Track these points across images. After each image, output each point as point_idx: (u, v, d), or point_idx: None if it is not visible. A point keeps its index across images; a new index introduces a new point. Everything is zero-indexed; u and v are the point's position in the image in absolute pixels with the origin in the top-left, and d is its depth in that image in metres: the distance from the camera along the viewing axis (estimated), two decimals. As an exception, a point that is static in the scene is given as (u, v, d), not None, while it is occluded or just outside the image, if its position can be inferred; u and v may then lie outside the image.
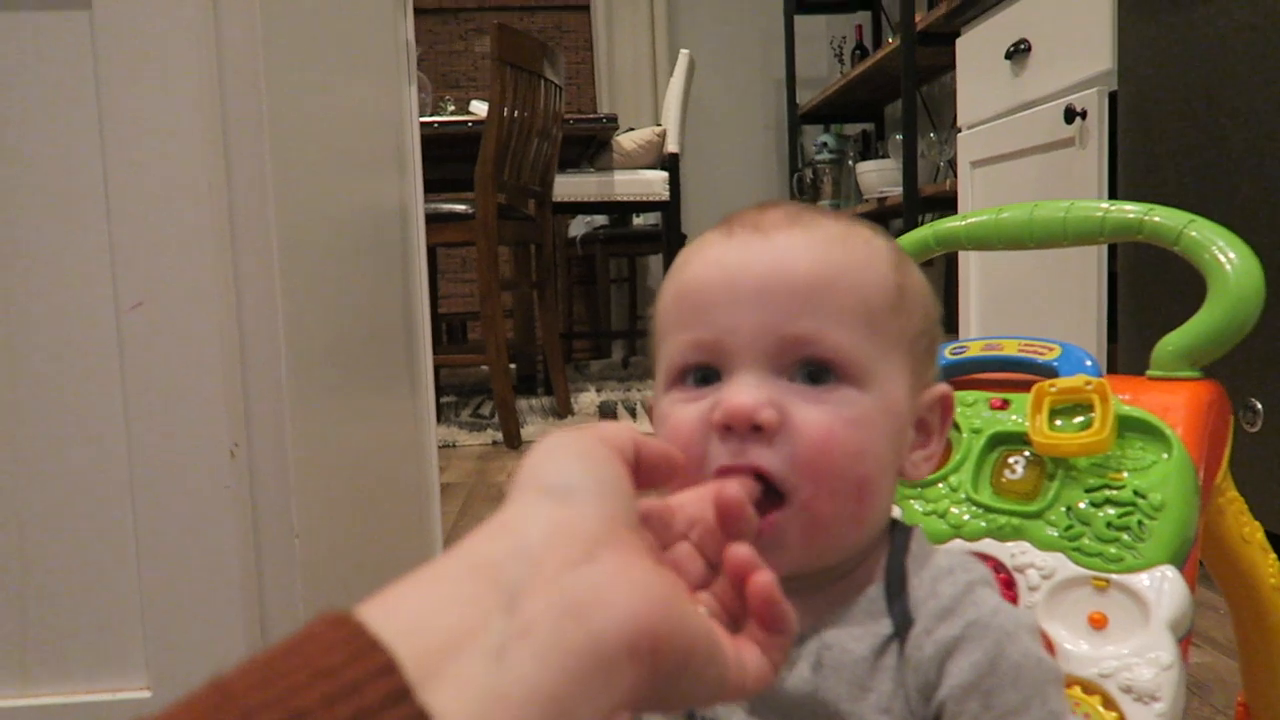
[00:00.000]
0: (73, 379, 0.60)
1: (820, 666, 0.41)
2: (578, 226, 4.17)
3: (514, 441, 2.59)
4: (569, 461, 0.30)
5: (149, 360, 0.58)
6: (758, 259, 0.41)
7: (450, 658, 0.24)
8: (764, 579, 0.32)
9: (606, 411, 2.94)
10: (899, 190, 2.91)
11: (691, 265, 0.43)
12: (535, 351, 3.31)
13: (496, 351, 2.53)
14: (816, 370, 0.40)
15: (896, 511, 0.58)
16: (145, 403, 0.59)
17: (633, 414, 2.92)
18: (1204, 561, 0.65)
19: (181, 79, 0.57)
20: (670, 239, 3.41)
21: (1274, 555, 0.72)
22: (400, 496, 1.04)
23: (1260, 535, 0.72)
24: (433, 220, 2.45)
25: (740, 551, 0.33)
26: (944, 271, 2.90)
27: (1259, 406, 1.15)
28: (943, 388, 0.45)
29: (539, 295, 3.00)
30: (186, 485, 0.60)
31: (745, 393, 0.39)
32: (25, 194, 0.60)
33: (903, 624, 0.41)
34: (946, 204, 2.73)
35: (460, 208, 2.62)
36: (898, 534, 0.45)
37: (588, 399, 3.13)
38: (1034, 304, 1.74)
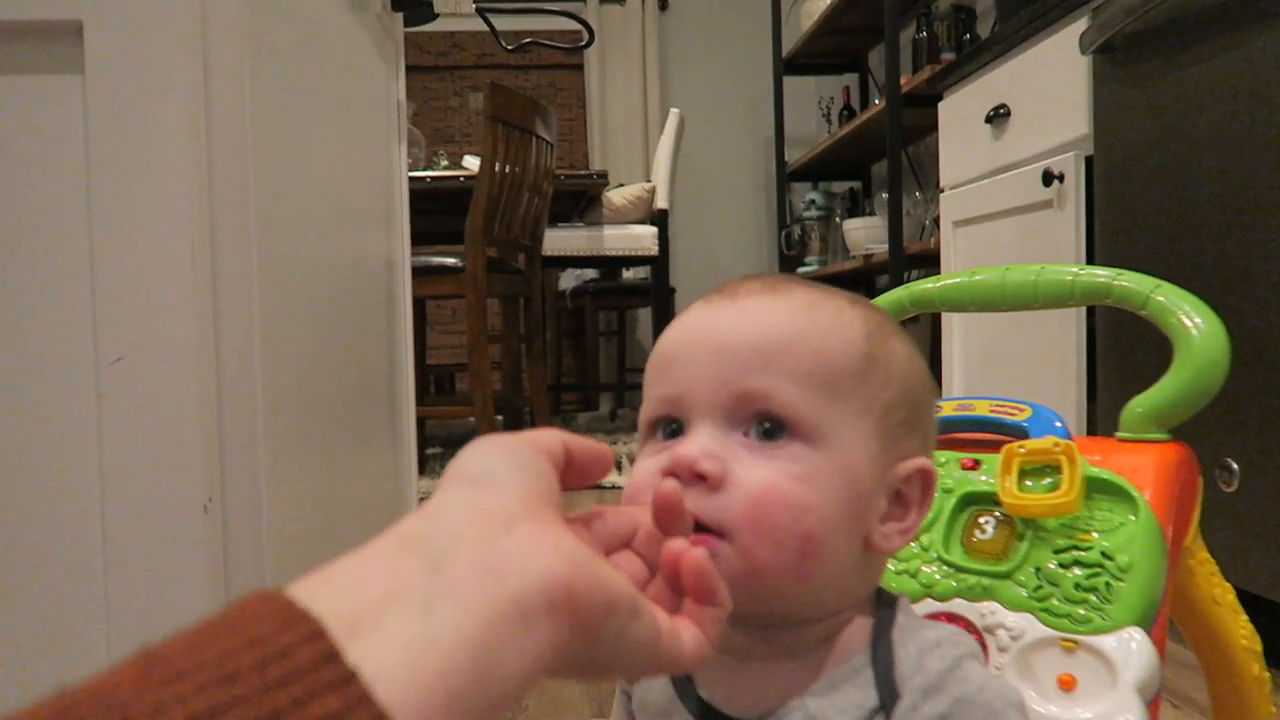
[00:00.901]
0: (49, 431, 0.61)
1: None
2: (568, 279, 4.21)
3: (499, 494, 2.57)
4: (489, 453, 0.33)
5: (126, 414, 0.59)
6: (723, 321, 0.43)
7: (380, 614, 0.25)
8: (696, 555, 0.34)
9: (593, 465, 2.93)
10: (885, 247, 2.95)
11: (670, 330, 0.45)
12: (523, 404, 3.31)
13: (483, 404, 2.53)
14: (769, 427, 0.41)
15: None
16: (121, 456, 0.59)
17: (618, 467, 2.92)
18: (1176, 622, 0.66)
19: (169, 138, 0.58)
20: (659, 292, 3.43)
21: (1244, 616, 0.72)
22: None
23: (1231, 597, 0.73)
24: (422, 273, 2.47)
25: (675, 541, 0.35)
26: (929, 329, 2.93)
27: (1235, 466, 1.16)
28: (921, 460, 0.45)
29: (527, 348, 3.01)
30: (159, 537, 0.60)
31: (693, 444, 0.40)
32: (10, 248, 0.61)
33: (888, 697, 0.41)
34: (931, 261, 2.76)
35: (450, 260, 2.64)
36: (883, 605, 0.45)
37: (575, 452, 3.12)
38: (1015, 363, 1.76)
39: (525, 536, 0.29)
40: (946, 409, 0.72)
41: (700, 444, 0.40)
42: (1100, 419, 1.43)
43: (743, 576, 0.40)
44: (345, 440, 0.87)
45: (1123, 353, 1.37)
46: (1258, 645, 0.73)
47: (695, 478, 0.40)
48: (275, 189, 0.66)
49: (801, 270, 3.97)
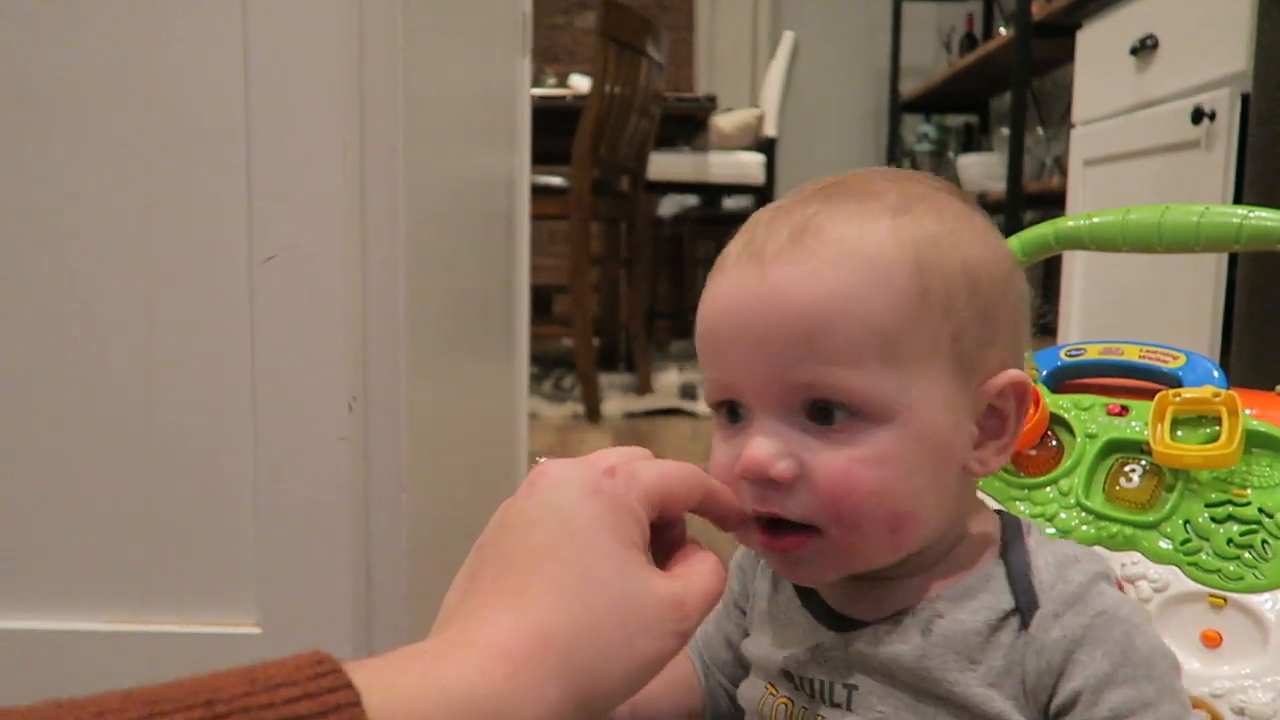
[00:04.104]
0: (204, 326, 0.63)
1: (929, 633, 0.41)
2: (668, 205, 4.17)
3: (595, 415, 2.61)
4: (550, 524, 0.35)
5: (278, 312, 0.61)
6: (755, 299, 0.39)
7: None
8: None
9: (687, 393, 2.94)
10: (1002, 185, 2.83)
11: (705, 306, 0.42)
12: (618, 328, 3.32)
13: (583, 326, 2.55)
14: (829, 411, 0.39)
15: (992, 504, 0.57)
16: (271, 352, 0.61)
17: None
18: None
19: (325, 43, 0.59)
20: (762, 222, 3.38)
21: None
22: (493, 462, 1.06)
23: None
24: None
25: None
26: (1043, 271, 2.82)
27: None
28: (1012, 374, 0.42)
29: (627, 272, 3.02)
30: (305, 434, 0.62)
31: (760, 446, 0.39)
32: (170, 145, 0.62)
33: (1027, 603, 0.40)
34: (1051, 202, 2.65)
35: (555, 180, 2.64)
36: (1008, 519, 0.45)
37: (668, 379, 3.13)
38: (1142, 310, 1.69)
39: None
40: (1092, 352, 0.69)
41: (766, 445, 0.39)
42: (1234, 373, 1.36)
43: (839, 559, 0.40)
44: (470, 351, 0.89)
45: (1268, 305, 1.30)
46: None
47: (769, 480, 0.39)
48: (420, 97, 0.67)
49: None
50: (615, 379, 3.12)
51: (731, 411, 0.41)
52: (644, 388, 2.95)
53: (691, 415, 2.70)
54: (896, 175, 0.43)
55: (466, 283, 0.87)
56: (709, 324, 0.41)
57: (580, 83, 3.17)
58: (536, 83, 3.44)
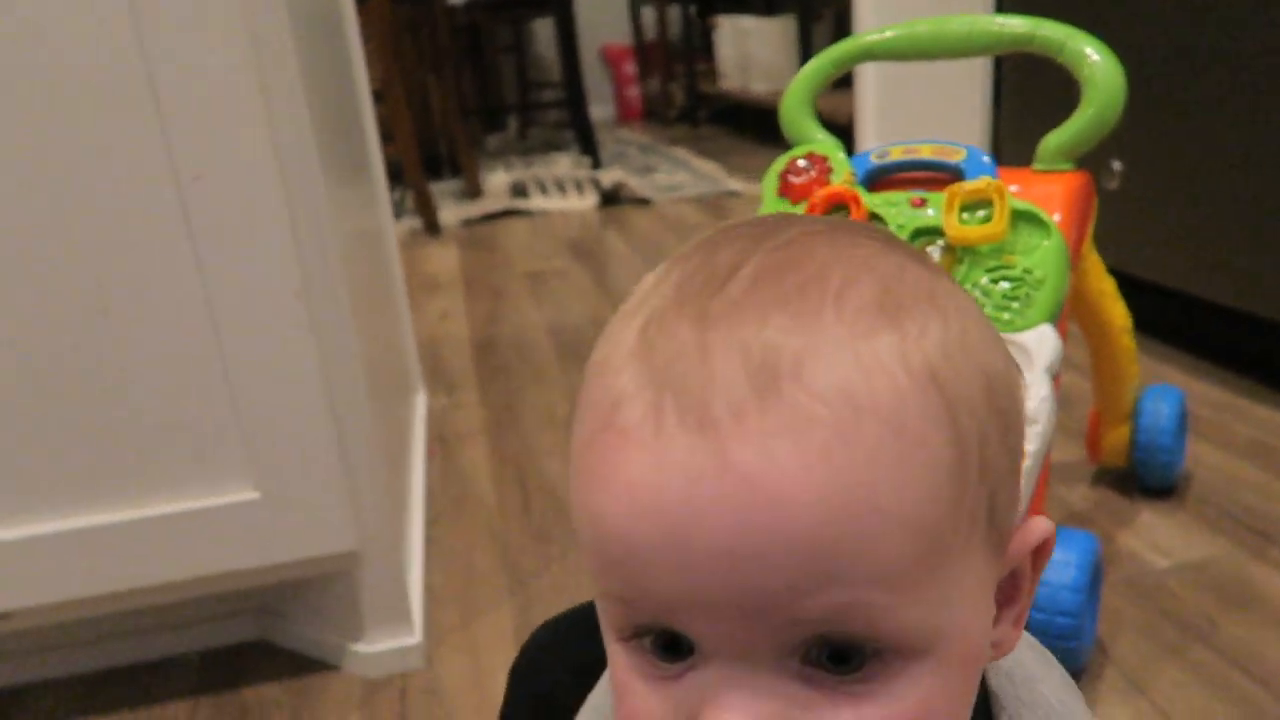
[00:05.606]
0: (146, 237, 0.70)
1: None
2: (459, -6, 4.00)
3: (434, 228, 2.65)
4: None
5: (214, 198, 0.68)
6: (714, 498, 0.23)
7: None
8: None
9: (519, 191, 3.00)
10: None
11: (600, 478, 0.26)
12: (433, 134, 3.29)
13: (404, 137, 2.53)
14: (847, 655, 0.25)
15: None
16: (213, 230, 0.69)
17: (542, 189, 3.00)
18: (1071, 312, 0.84)
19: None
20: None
21: (1122, 303, 0.92)
22: (383, 286, 1.16)
23: (1112, 287, 0.92)
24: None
25: None
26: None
27: (1116, 167, 1.34)
28: (1042, 528, 0.30)
29: (435, 76, 2.96)
30: (259, 301, 0.71)
31: (738, 716, 0.25)
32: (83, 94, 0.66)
33: None
34: None
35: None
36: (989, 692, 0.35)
37: (497, 180, 3.17)
38: (925, 106, 1.87)
39: None
40: (895, 153, 0.85)
41: (750, 716, 0.25)
42: (1005, 151, 1.58)
43: None
44: (350, 179, 0.97)
45: (1026, 91, 1.50)
46: (1129, 323, 0.93)
47: None
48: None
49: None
50: (443, 187, 3.13)
51: (668, 645, 0.26)
52: (474, 191, 2.98)
53: (526, 214, 2.78)
54: (828, 232, 0.28)
55: (337, 114, 0.93)
56: (617, 526, 0.25)
57: None
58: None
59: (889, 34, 0.89)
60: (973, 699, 0.29)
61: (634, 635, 0.27)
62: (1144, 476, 1.01)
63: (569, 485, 0.28)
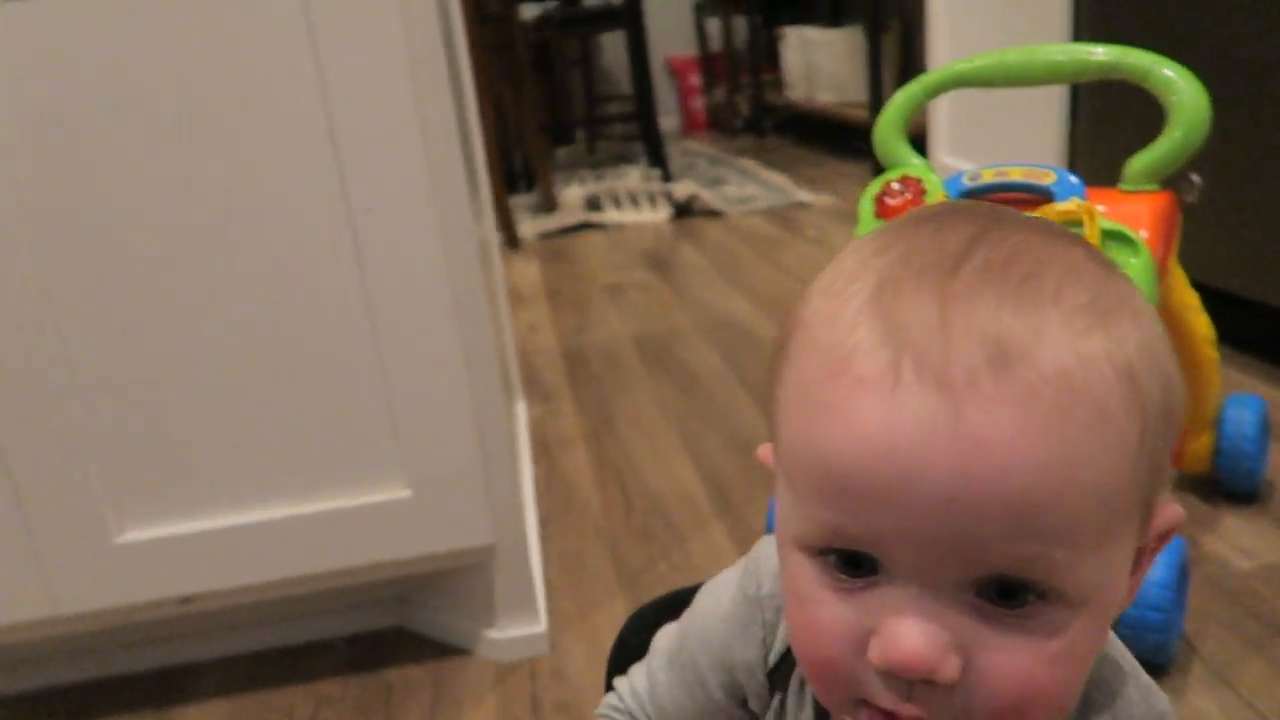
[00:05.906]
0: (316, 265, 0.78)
1: None
2: (528, 10, 4.10)
3: (514, 242, 2.75)
4: None
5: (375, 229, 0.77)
6: (945, 449, 0.28)
7: None
8: None
9: (593, 205, 3.08)
10: None
11: (835, 417, 0.29)
12: (509, 149, 3.39)
13: (489, 153, 2.62)
14: (1015, 592, 0.29)
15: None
16: (372, 257, 0.78)
17: (615, 202, 3.07)
18: (1156, 325, 0.88)
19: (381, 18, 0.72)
20: (632, 11, 3.42)
21: (1205, 315, 0.96)
22: (494, 295, 1.25)
23: (1195, 300, 0.96)
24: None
25: None
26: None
27: (1195, 180, 1.37)
28: (1174, 514, 0.33)
29: (514, 94, 3.06)
30: (414, 324, 0.80)
31: (917, 634, 0.29)
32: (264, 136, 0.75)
33: None
34: None
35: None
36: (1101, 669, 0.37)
37: (572, 193, 3.26)
38: (999, 124, 1.90)
39: None
40: (987, 176, 0.90)
41: (928, 636, 0.29)
42: (1081, 167, 1.62)
43: None
44: (475, 201, 1.05)
45: (1103, 111, 1.54)
46: (1212, 334, 0.97)
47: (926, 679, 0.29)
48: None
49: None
50: (519, 201, 3.23)
51: (851, 561, 0.31)
52: (550, 205, 3.08)
53: (601, 227, 2.86)
54: (1043, 233, 0.32)
55: (465, 137, 1.02)
56: (847, 462, 0.29)
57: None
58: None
59: (979, 63, 0.95)
60: (1101, 649, 0.34)
61: (823, 551, 0.31)
62: (1227, 482, 1.04)
63: (776, 413, 0.33)
